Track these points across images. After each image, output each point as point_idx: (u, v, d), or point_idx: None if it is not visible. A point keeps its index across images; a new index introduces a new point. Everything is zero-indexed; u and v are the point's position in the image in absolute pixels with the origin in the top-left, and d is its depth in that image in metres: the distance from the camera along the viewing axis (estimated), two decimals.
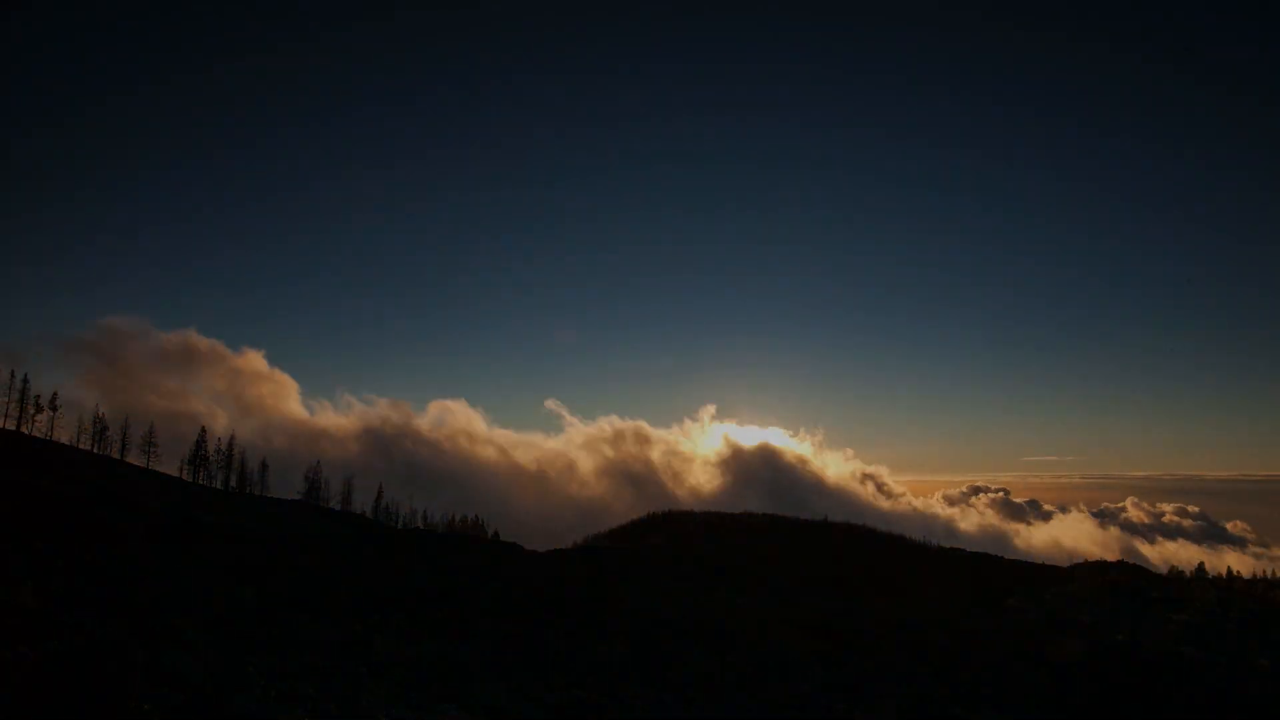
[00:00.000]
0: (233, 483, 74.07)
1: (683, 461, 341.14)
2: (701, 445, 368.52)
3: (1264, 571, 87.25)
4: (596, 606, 40.69)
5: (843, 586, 72.94)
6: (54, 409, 67.46)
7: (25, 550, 20.33)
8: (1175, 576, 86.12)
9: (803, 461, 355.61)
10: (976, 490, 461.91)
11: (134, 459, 70.19)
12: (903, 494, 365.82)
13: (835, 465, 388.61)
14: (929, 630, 48.24)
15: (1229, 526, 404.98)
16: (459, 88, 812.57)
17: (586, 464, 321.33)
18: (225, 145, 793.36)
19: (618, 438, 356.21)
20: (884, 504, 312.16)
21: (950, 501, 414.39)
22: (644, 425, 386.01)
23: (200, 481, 71.68)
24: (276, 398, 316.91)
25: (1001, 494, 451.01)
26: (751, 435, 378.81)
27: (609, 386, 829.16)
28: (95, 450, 67.91)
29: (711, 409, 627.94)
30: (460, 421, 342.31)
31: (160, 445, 72.50)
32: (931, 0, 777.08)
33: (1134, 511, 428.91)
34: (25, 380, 65.77)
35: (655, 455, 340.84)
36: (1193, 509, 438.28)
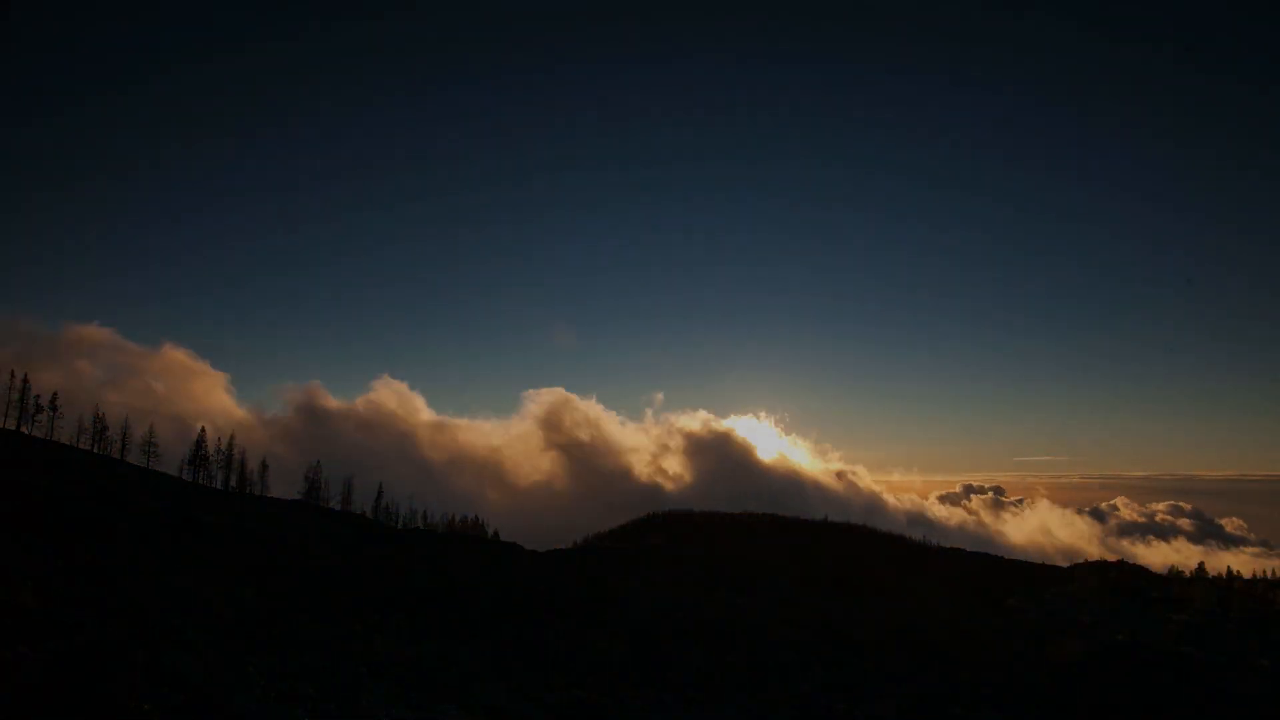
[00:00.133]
0: (233, 483, 74.08)
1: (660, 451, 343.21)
2: (652, 436, 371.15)
3: (1263, 571, 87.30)
4: (596, 606, 40.68)
5: (843, 587, 72.96)
6: (54, 409, 67.53)
7: (25, 550, 20.34)
8: (1175, 576, 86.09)
9: (750, 450, 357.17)
10: (970, 490, 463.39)
11: (134, 459, 70.25)
12: (881, 490, 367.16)
13: (799, 455, 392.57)
14: (929, 630, 48.24)
15: (1227, 527, 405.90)
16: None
17: (533, 445, 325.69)
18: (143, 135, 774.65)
19: (553, 415, 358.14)
20: (860, 501, 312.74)
21: (944, 501, 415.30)
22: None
23: (200, 482, 71.70)
24: (205, 390, 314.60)
25: (992, 494, 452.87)
26: (698, 420, 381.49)
27: (590, 380, 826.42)
28: (95, 450, 67.96)
29: (660, 396, 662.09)
30: (394, 403, 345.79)
31: (160, 445, 72.59)
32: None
33: (1126, 511, 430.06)
34: (25, 380, 65.86)
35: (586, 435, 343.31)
36: (1185, 505, 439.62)
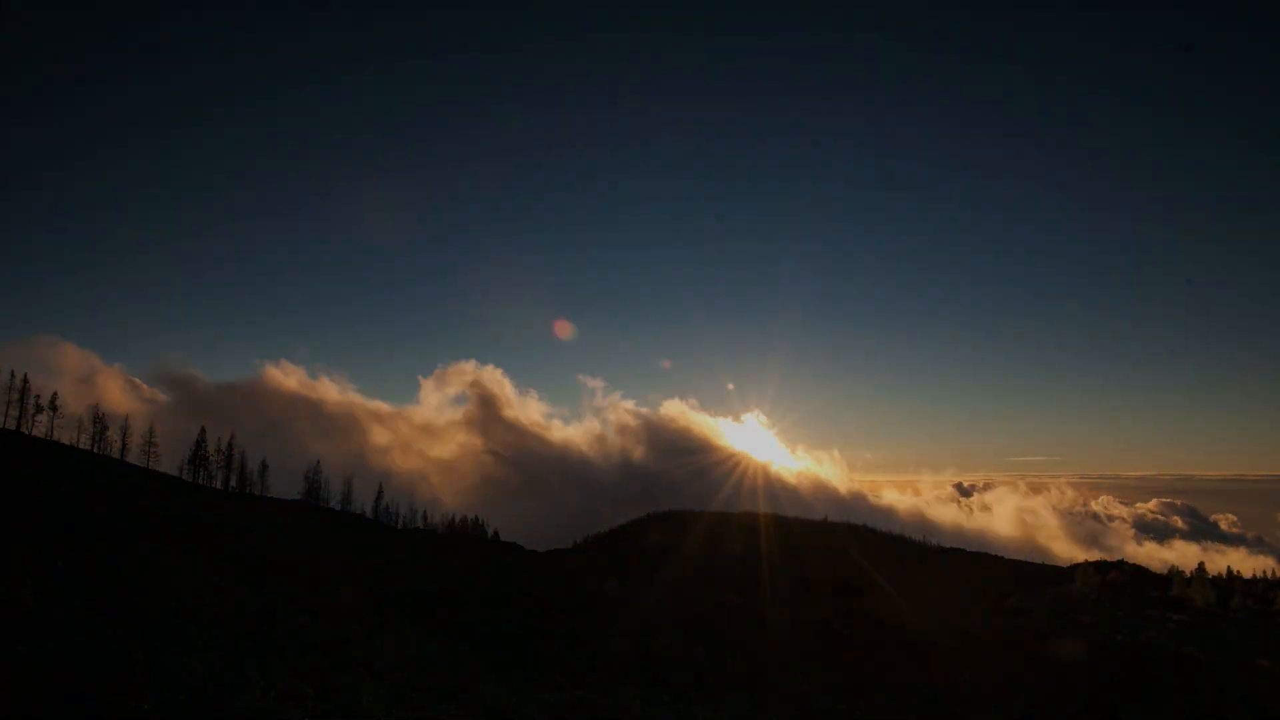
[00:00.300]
0: (233, 483, 74.16)
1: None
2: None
3: (1262, 571, 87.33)
4: (596, 606, 40.67)
5: (842, 586, 72.95)
6: (54, 409, 67.55)
7: (25, 550, 20.33)
8: (1175, 576, 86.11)
9: (711, 435, 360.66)
10: (963, 489, 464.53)
11: (134, 459, 70.26)
12: (880, 490, 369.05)
13: (799, 457, 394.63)
14: (929, 630, 48.24)
15: (1221, 524, 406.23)
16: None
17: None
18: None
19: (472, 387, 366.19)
20: (859, 501, 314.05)
21: (941, 501, 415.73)
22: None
23: (200, 482, 71.73)
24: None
25: (987, 493, 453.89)
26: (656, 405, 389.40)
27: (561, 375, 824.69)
28: (95, 450, 67.98)
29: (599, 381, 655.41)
30: (293, 382, 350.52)
31: (160, 445, 72.64)
32: (923, 6, 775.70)
33: (1121, 510, 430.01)
34: (25, 380, 65.87)
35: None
36: (1178, 503, 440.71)
